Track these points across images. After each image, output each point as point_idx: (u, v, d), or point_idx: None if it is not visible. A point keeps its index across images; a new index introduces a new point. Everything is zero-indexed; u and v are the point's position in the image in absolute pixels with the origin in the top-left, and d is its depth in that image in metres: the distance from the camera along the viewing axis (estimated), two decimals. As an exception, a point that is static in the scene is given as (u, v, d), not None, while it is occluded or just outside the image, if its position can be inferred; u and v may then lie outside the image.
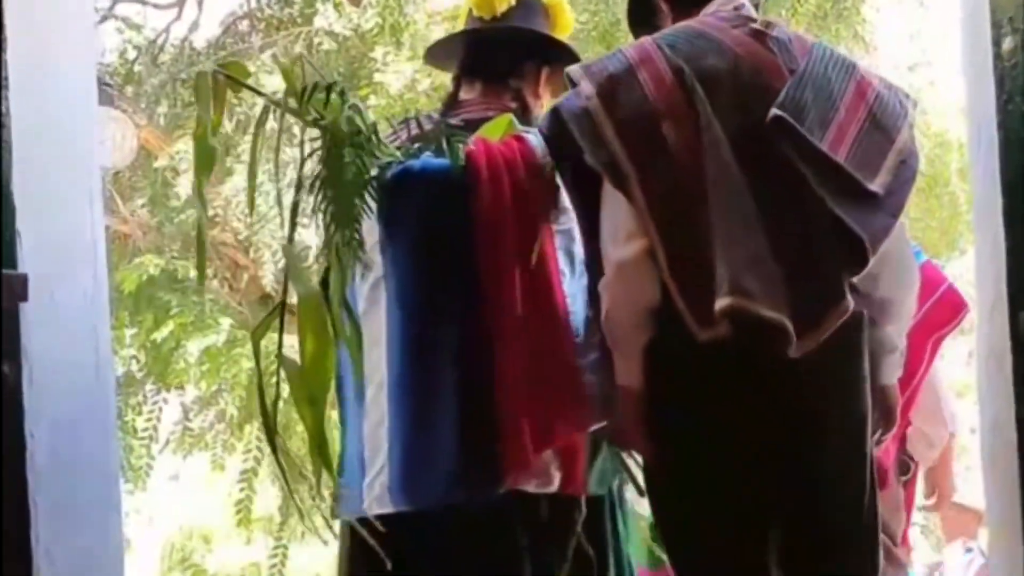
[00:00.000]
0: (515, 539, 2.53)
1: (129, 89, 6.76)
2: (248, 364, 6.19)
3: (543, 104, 2.77)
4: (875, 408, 2.41)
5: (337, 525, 2.63)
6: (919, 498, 3.64)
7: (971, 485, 5.03)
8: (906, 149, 2.35)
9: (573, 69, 2.39)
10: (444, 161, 2.47)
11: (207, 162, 2.40)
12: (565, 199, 2.48)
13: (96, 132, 2.45)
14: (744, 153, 2.25)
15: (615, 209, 2.32)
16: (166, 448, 7.23)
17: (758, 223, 2.25)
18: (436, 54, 3.02)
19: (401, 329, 2.49)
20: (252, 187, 2.54)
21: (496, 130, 2.53)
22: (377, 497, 2.52)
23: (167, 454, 7.33)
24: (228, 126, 6.05)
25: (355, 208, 2.38)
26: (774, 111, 2.24)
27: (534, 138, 2.48)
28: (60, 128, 2.16)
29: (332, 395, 2.61)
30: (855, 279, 2.32)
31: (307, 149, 2.32)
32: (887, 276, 2.37)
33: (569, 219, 2.52)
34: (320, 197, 2.35)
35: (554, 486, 2.51)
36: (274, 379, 2.30)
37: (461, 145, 2.46)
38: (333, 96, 2.32)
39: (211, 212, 6.17)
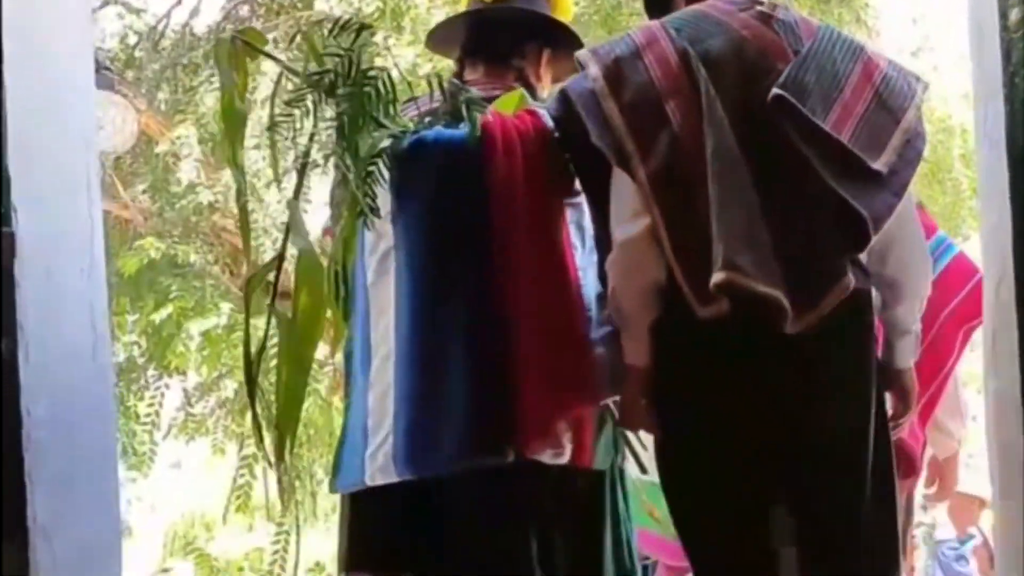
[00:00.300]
0: (523, 513, 2.52)
1: (130, 74, 6.75)
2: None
3: (545, 86, 2.79)
4: (892, 391, 2.46)
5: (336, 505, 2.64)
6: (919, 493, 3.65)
7: (973, 472, 5.06)
8: (912, 129, 2.36)
9: (581, 53, 2.45)
10: (458, 131, 2.46)
11: (237, 128, 2.39)
12: (571, 174, 2.48)
13: (94, 115, 2.42)
14: (746, 133, 2.28)
15: (621, 190, 2.35)
16: (169, 434, 7.23)
17: (756, 202, 2.28)
18: (437, 37, 3.01)
19: (410, 299, 2.49)
20: (275, 156, 2.52)
21: (508, 104, 2.54)
22: (380, 467, 2.51)
23: (169, 440, 7.33)
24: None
25: (368, 178, 2.36)
26: (775, 90, 2.27)
27: (545, 114, 2.48)
28: (57, 110, 2.13)
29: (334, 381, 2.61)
30: (863, 258, 2.35)
31: (321, 119, 2.33)
32: (894, 256, 2.39)
33: (580, 193, 2.52)
34: (334, 165, 2.38)
35: (566, 457, 2.50)
36: (262, 332, 2.29)
37: (479, 115, 2.45)
38: (363, 35, 2.36)
39: (212, 197, 6.16)
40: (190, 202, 6.14)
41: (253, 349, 2.33)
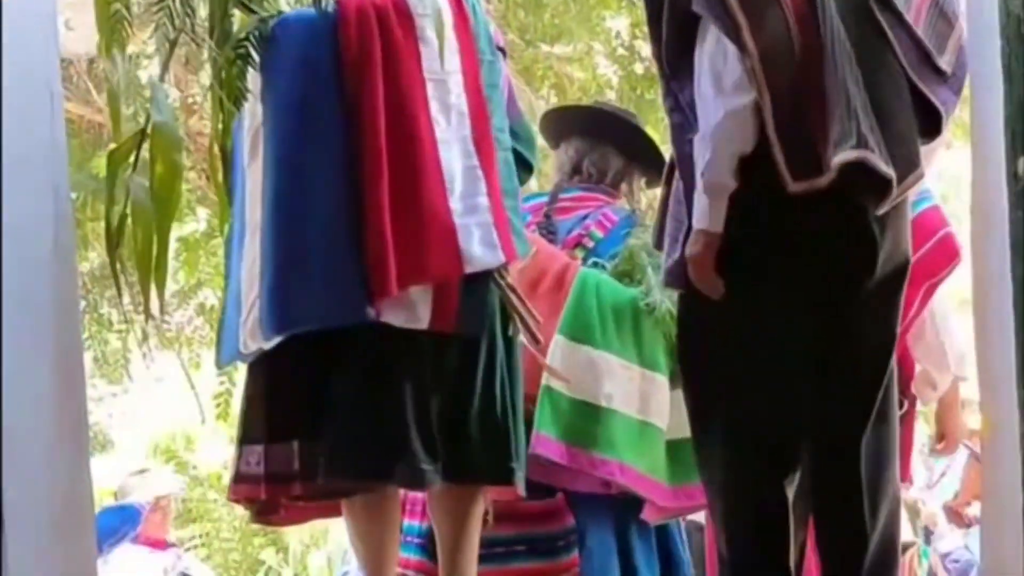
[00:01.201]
0: (395, 376, 2.64)
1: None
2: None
3: None
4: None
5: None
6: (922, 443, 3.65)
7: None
8: (962, 36, 2.58)
9: None
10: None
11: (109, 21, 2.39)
12: (434, 53, 2.63)
13: (56, 17, 2.41)
14: (849, 19, 2.45)
15: (718, 58, 2.45)
16: (144, 342, 7.12)
17: (864, 87, 2.45)
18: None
19: (274, 171, 2.63)
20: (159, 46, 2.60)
21: None
22: (250, 331, 2.65)
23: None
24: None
25: (238, 60, 2.54)
26: None
27: None
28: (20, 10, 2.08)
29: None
30: None
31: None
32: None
33: (445, 72, 2.67)
34: (207, 49, 2.53)
35: (423, 324, 2.63)
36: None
37: None
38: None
39: (189, 100, 6.01)
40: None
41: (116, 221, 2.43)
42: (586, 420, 3.17)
